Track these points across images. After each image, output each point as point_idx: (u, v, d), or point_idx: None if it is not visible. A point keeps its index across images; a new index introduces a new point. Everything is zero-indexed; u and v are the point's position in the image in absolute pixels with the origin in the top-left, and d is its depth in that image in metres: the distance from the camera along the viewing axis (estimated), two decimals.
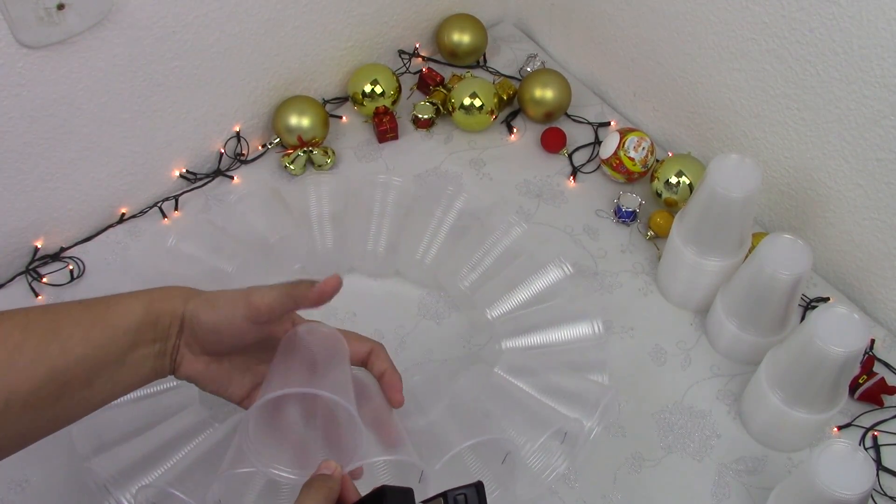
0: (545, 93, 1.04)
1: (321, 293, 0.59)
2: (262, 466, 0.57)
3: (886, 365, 0.86)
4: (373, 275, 0.92)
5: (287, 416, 0.62)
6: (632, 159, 0.96)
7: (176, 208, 0.97)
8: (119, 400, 0.61)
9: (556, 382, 0.76)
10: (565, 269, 0.85)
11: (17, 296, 0.89)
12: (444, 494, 0.52)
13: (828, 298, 0.90)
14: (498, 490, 0.72)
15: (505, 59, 1.15)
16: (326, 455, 0.59)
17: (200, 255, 0.86)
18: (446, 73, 1.11)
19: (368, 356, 0.66)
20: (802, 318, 0.89)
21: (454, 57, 1.11)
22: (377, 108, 1.04)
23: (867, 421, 0.82)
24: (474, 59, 1.12)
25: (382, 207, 0.91)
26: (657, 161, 0.98)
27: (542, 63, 1.12)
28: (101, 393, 0.58)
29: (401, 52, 1.12)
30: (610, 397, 0.74)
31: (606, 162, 0.98)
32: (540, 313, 0.84)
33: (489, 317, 0.84)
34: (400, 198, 0.91)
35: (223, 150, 1.01)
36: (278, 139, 1.02)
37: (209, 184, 0.99)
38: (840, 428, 0.82)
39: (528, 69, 1.11)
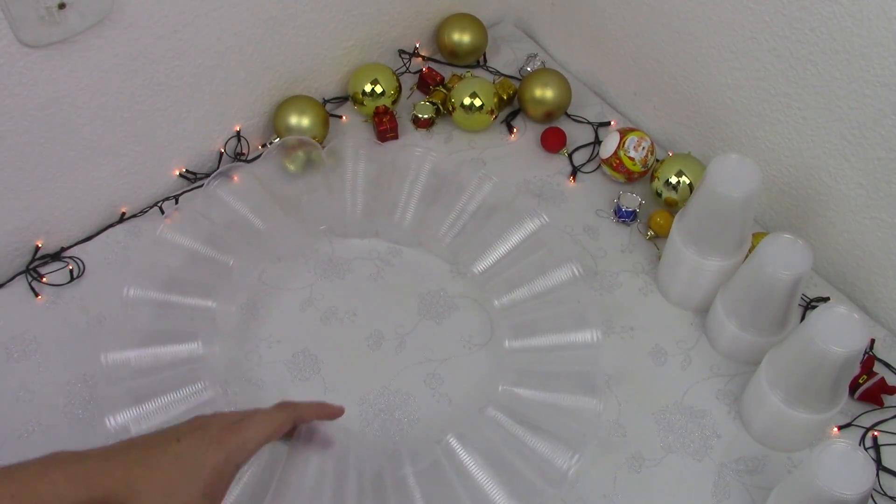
0: (545, 92, 1.04)
1: None
2: None
3: (886, 365, 0.86)
4: (396, 242, 0.95)
5: None
6: (632, 159, 0.96)
7: (176, 208, 0.97)
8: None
9: (546, 417, 0.78)
10: (575, 271, 0.86)
11: (17, 295, 0.89)
12: None
13: (828, 298, 0.90)
14: None
15: (505, 59, 1.14)
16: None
17: (237, 207, 0.92)
18: (446, 72, 1.11)
19: (295, 424, 0.67)
20: (802, 318, 0.89)
21: (454, 56, 1.11)
22: (377, 107, 1.04)
23: (867, 421, 0.82)
24: (474, 58, 1.12)
25: (415, 180, 0.94)
26: (657, 161, 0.98)
27: (543, 63, 1.12)
28: None
29: (401, 52, 1.12)
30: (595, 430, 0.77)
31: (606, 162, 0.98)
32: (544, 312, 0.85)
33: (496, 304, 0.86)
34: (433, 173, 0.94)
35: (223, 150, 1.01)
36: (278, 139, 1.02)
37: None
38: (840, 428, 0.82)
39: (529, 69, 1.11)
